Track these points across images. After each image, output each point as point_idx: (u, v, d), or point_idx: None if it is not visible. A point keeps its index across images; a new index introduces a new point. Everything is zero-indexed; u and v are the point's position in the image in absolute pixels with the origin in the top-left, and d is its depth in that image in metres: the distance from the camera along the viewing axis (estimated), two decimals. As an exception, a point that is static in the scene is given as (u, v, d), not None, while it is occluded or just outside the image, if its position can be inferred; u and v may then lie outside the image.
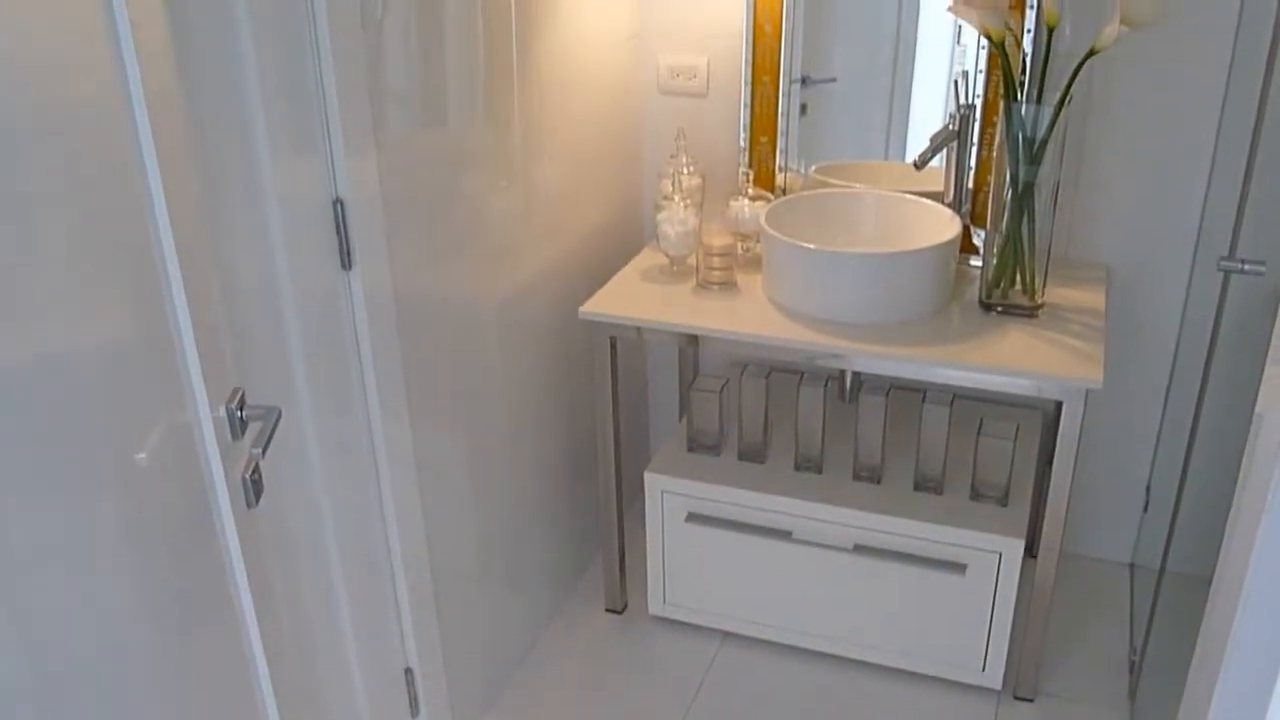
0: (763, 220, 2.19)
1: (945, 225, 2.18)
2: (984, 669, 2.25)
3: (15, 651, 0.97)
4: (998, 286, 2.14)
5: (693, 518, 2.31)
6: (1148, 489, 2.56)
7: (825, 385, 2.23)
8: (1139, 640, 2.39)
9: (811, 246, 2.09)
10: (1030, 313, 2.12)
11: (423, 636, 1.96)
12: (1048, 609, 2.16)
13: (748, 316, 2.14)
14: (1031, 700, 2.28)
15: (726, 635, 2.44)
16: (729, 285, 2.25)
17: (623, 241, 2.58)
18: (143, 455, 1.15)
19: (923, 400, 2.17)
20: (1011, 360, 1.97)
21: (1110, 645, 2.43)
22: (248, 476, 1.33)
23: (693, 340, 2.15)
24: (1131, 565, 2.66)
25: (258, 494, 1.37)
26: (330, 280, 1.62)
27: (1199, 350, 2.28)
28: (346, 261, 1.63)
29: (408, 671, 1.96)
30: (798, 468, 2.32)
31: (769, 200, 2.33)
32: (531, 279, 2.19)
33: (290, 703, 1.50)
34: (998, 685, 2.26)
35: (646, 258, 2.44)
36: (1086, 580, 2.62)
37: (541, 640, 2.45)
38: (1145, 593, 2.55)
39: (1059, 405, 1.98)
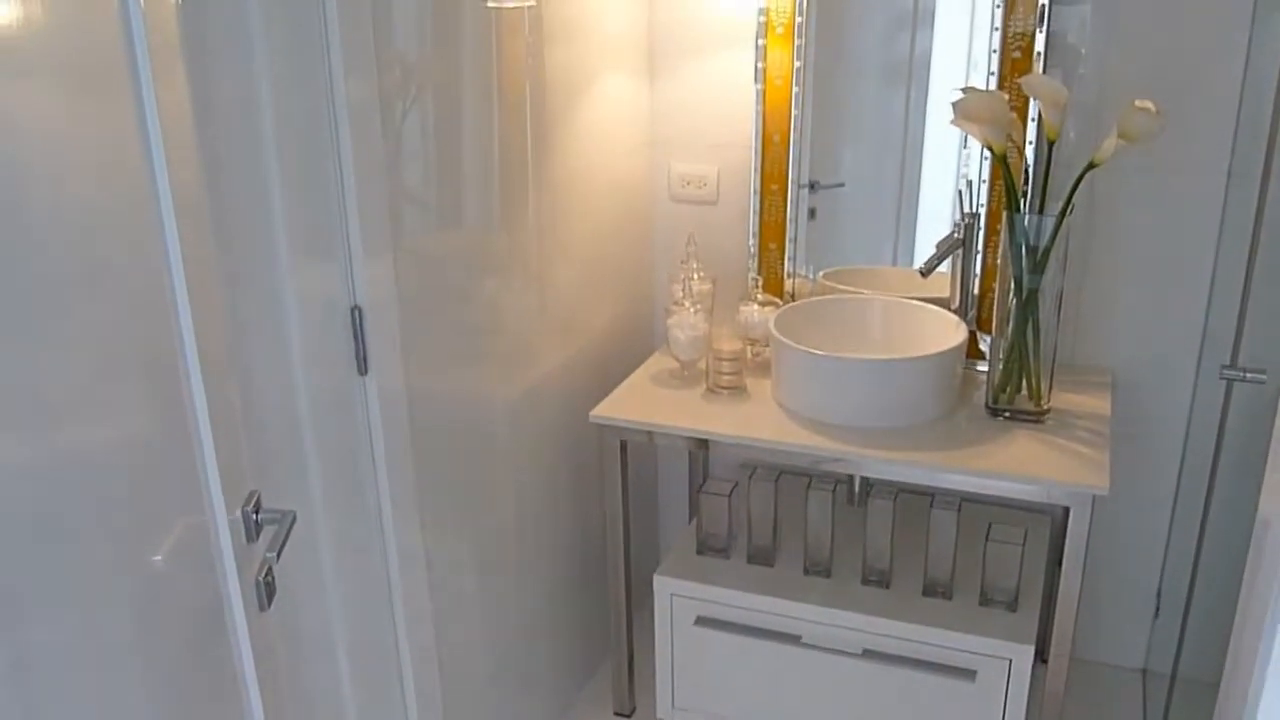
0: (772, 326, 2.23)
1: (951, 331, 2.22)
2: (996, 778, 2.23)
3: None
4: (1004, 392, 2.16)
5: (702, 621, 2.31)
6: (1158, 594, 2.55)
7: (834, 489, 2.25)
8: (1153, 751, 2.37)
9: (820, 353, 2.13)
10: (1036, 418, 2.14)
11: (430, 741, 1.95)
12: (1059, 716, 2.15)
13: (757, 421, 2.17)
14: (1045, 811, 2.25)
15: (736, 741, 2.42)
16: (738, 390, 2.28)
17: (634, 344, 2.62)
18: (159, 557, 1.18)
19: (930, 505, 2.18)
20: (1018, 466, 1.99)
21: (1124, 755, 2.40)
22: (261, 579, 1.35)
23: (702, 444, 2.18)
24: (1144, 671, 2.64)
25: (270, 596, 1.39)
26: (346, 385, 1.65)
27: (1205, 455, 2.30)
28: (363, 367, 1.67)
29: (414, 776, 1.95)
30: (807, 571, 2.33)
31: (778, 305, 2.37)
32: (543, 380, 2.23)
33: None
34: (1010, 795, 2.23)
35: (657, 361, 2.47)
36: (1099, 686, 2.59)
37: (549, 744, 2.43)
38: (1159, 699, 2.53)
39: (1067, 510, 1.99)
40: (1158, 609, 2.56)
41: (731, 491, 2.35)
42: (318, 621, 1.68)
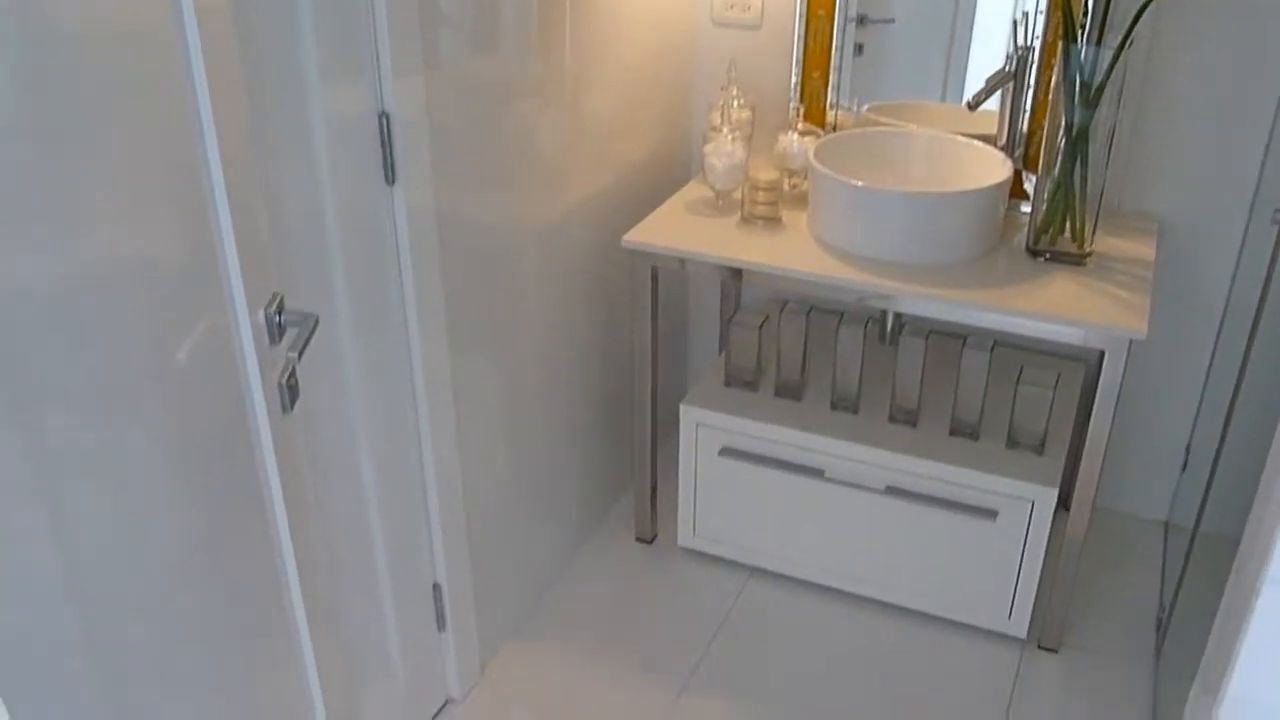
0: (811, 156, 2.17)
1: (996, 168, 2.15)
2: (1010, 617, 2.25)
3: (53, 554, 0.99)
4: (1046, 233, 2.11)
5: (726, 452, 2.32)
6: (1188, 448, 2.53)
7: (865, 326, 2.22)
8: (1168, 599, 2.38)
9: (860, 184, 2.07)
10: (1078, 261, 2.09)
11: (452, 554, 1.98)
12: (1077, 561, 2.15)
13: (792, 252, 2.13)
14: (1056, 651, 2.28)
15: (754, 570, 2.45)
16: (774, 221, 2.24)
17: (669, 173, 2.57)
18: (182, 355, 1.17)
19: (963, 345, 2.15)
20: (1055, 307, 1.95)
21: (1139, 602, 2.42)
22: (284, 381, 1.35)
23: (735, 274, 2.15)
24: (1166, 524, 2.64)
25: (293, 399, 1.39)
26: (373, 194, 1.63)
27: (1248, 308, 2.24)
28: (390, 176, 1.63)
29: (436, 587, 1.99)
30: (834, 407, 2.32)
31: (818, 136, 2.31)
32: (576, 208, 2.19)
33: (319, 608, 1.53)
34: (1023, 634, 2.26)
35: (692, 190, 2.42)
36: (1119, 536, 2.60)
37: (570, 567, 2.47)
38: (1179, 552, 2.53)
39: (1101, 357, 1.96)
40: (1186, 462, 2.54)
41: (762, 324, 2.33)
42: (342, 436, 1.69)
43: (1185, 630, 2.24)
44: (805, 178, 2.31)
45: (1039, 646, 2.28)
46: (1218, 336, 2.40)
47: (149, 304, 1.11)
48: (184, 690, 1.23)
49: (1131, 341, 1.92)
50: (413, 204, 1.68)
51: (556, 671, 2.20)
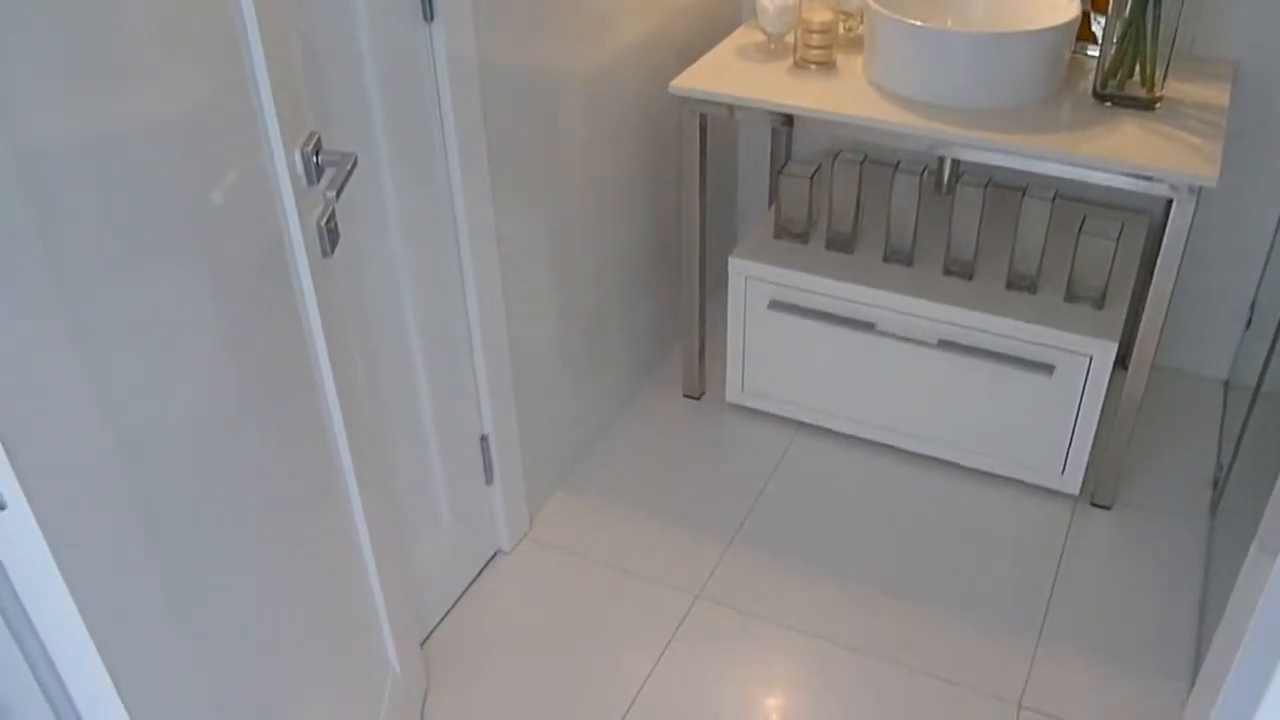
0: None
1: (1063, 8, 2.04)
2: (1063, 473, 2.22)
3: (97, 410, 0.97)
4: (1114, 77, 2.01)
5: (775, 305, 2.28)
6: (1252, 305, 2.46)
7: (921, 175, 2.14)
8: (1226, 458, 2.34)
9: (918, 24, 1.98)
10: (1147, 105, 2.00)
11: (499, 407, 1.97)
12: (1134, 418, 2.11)
13: (846, 97, 2.05)
14: (1109, 508, 2.25)
15: (802, 426, 2.43)
16: (828, 65, 2.15)
17: (718, 17, 2.47)
18: (218, 196, 1.14)
19: (1023, 195, 2.08)
20: (1121, 154, 1.87)
21: (1196, 460, 2.38)
22: (323, 224, 1.32)
23: (786, 122, 2.07)
24: (1226, 383, 2.58)
25: (333, 242, 1.36)
26: (411, 31, 1.57)
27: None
28: (429, 12, 1.57)
29: (483, 439, 1.99)
30: (886, 259, 2.26)
31: (876, -24, 2.20)
32: (622, 53, 2.11)
33: (366, 459, 1.53)
34: (1075, 490, 2.23)
35: (743, 35, 2.33)
36: (1178, 394, 2.55)
37: (617, 421, 2.47)
38: (1238, 412, 2.48)
39: (1167, 209, 1.88)
40: (1250, 320, 2.47)
41: (814, 174, 2.26)
42: (385, 286, 1.67)
43: (1243, 490, 2.20)
44: (861, 20, 2.21)
45: (1091, 503, 2.25)
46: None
47: (184, 145, 1.08)
48: (232, 542, 1.22)
49: (1201, 190, 1.84)
50: (452, 42, 1.62)
51: (603, 524, 2.21)
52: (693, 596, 2.07)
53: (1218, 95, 2.06)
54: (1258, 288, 2.44)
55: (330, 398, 1.42)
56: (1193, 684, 1.93)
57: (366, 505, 1.54)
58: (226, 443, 1.19)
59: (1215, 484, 2.30)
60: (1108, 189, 2.33)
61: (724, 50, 2.25)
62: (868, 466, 2.34)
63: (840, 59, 2.18)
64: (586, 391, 2.32)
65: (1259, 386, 2.13)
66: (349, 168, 1.32)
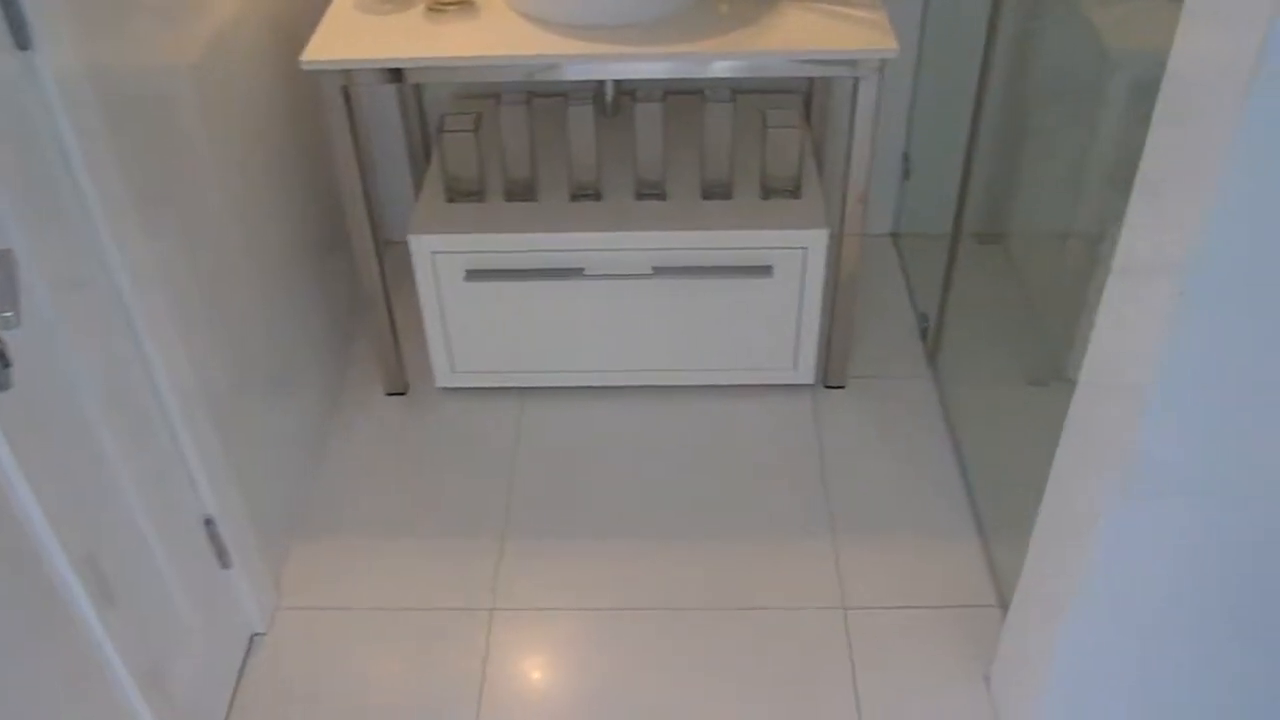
0: (491, -81, 1.87)
1: (696, -103, 1.93)
2: (796, 366, 2.20)
3: None
4: (763, -40, 1.93)
5: (472, 275, 2.07)
6: (905, 156, 2.52)
7: (594, 102, 2.00)
8: (924, 307, 2.40)
9: (558, -59, 1.80)
10: (803, -17, 1.94)
11: (215, 477, 1.66)
12: (854, 295, 2.12)
13: (494, 36, 1.85)
14: (843, 387, 2.26)
15: (527, 392, 2.26)
16: (466, 4, 1.93)
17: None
18: None
19: (703, 100, 1.98)
20: (795, 41, 1.80)
21: (898, 316, 2.43)
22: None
23: (395, 77, 1.84)
24: (894, 235, 2.66)
25: (6, 365, 1.04)
26: (5, 65, 1.21)
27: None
28: (24, 39, 1.22)
29: (208, 522, 1.67)
30: (574, 197, 2.11)
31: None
32: (226, 31, 1.79)
33: (93, 579, 1.23)
34: (811, 379, 2.22)
35: (354, -14, 2.05)
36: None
37: (330, 444, 2.18)
38: (916, 260, 2.56)
39: (812, 83, 1.84)
40: (907, 171, 2.53)
41: (476, 125, 2.05)
42: (56, 382, 1.32)
43: (950, 333, 2.27)
44: (484, -54, 2.01)
45: (826, 386, 2.26)
46: (920, 38, 2.35)
47: None
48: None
49: (883, 61, 1.81)
50: (59, 65, 1.27)
51: (356, 565, 1.96)
52: (487, 612, 1.88)
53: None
54: (906, 138, 2.50)
55: (39, 527, 1.12)
56: (980, 530, 1.99)
57: (107, 628, 1.26)
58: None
59: (924, 335, 2.36)
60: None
61: (342, 6, 1.97)
62: (611, 414, 2.21)
63: (477, -9, 1.96)
64: (288, 416, 2.02)
65: (957, 234, 2.18)
66: (11, 269, 0.99)
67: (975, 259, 2.20)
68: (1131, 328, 1.21)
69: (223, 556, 1.71)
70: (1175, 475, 1.24)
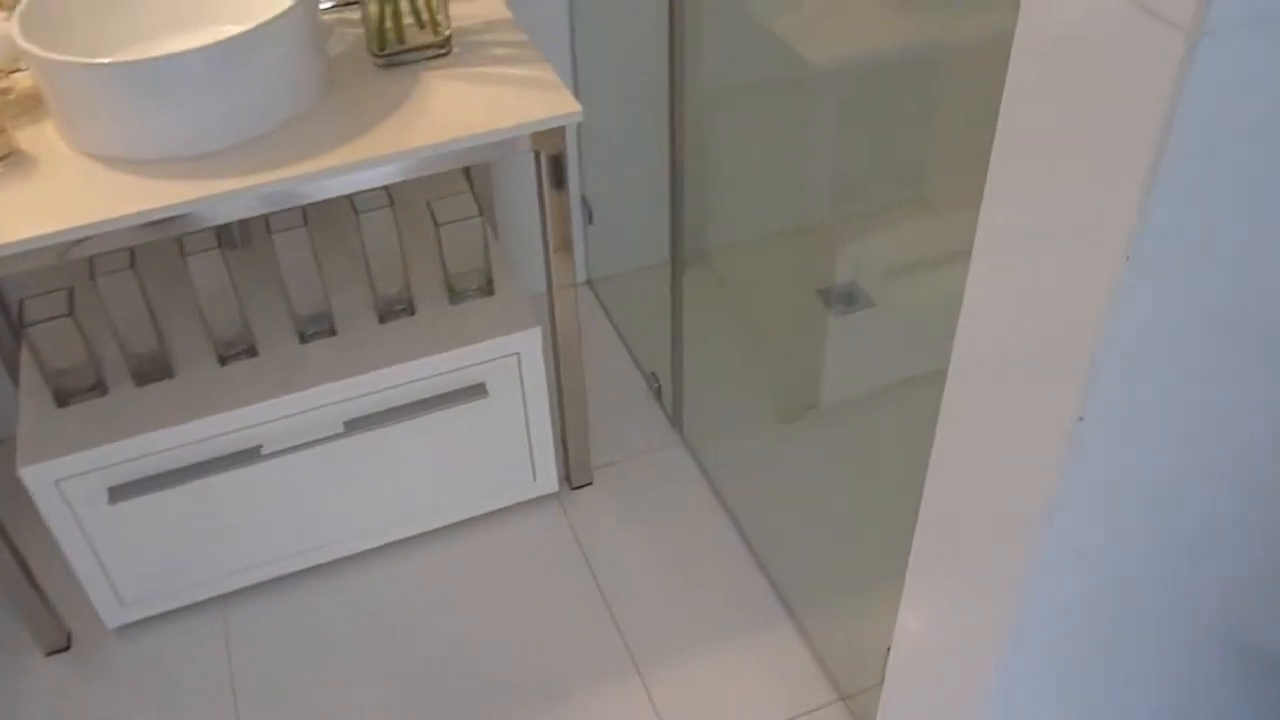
0: (18, 37, 1.40)
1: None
2: (535, 477, 1.88)
3: None
4: (386, 32, 1.58)
5: (117, 493, 1.61)
6: (584, 201, 2.24)
7: (221, 242, 1.58)
8: (649, 365, 2.15)
9: (107, 61, 1.36)
10: (441, 49, 1.60)
11: None
12: (583, 390, 1.83)
13: (72, 195, 1.40)
14: (590, 483, 1.97)
15: (229, 598, 1.82)
16: (12, 157, 1.47)
17: None
18: None
19: (355, 211, 1.62)
20: (468, 123, 1.47)
21: (623, 382, 2.16)
22: None
23: None
24: (590, 283, 2.38)
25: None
26: None
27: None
28: None
29: None
30: (224, 360, 1.68)
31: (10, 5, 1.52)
32: None
33: None
34: (555, 486, 1.91)
35: None
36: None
37: (-23, 744, 1.68)
38: (617, 307, 2.30)
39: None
40: (590, 215, 2.25)
41: (70, 305, 1.59)
42: None
43: (687, 385, 2.03)
44: (23, 67, 1.55)
45: (572, 488, 1.96)
46: (575, 69, 2.07)
47: None
48: None
49: (575, 124, 1.52)
50: None
51: None
52: None
53: (495, 6, 1.71)
54: (580, 182, 2.22)
55: None
56: (789, 609, 1.75)
57: None
58: None
59: (659, 396, 2.11)
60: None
61: None
62: (342, 592, 1.82)
63: (25, 136, 1.49)
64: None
65: (676, 271, 1.91)
66: None
67: (696, 295, 1.95)
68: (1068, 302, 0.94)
69: None
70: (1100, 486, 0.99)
